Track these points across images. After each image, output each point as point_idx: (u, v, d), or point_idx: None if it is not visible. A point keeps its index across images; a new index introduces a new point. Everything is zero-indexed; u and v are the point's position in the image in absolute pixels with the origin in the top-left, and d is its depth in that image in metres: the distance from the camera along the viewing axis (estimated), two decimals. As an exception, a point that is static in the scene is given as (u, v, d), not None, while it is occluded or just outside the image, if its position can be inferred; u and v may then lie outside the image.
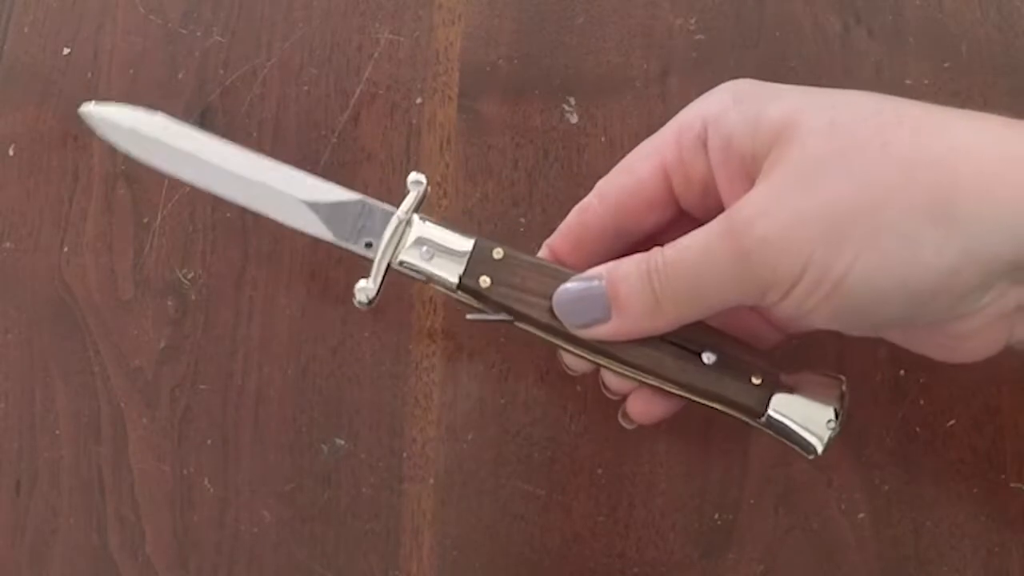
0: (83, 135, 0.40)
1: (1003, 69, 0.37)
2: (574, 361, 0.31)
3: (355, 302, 0.31)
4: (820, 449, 0.28)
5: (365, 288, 0.31)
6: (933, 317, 0.25)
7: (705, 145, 0.28)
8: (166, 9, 0.41)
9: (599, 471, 0.35)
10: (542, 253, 0.31)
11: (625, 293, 0.28)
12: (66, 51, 0.41)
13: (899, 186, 0.24)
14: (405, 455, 0.36)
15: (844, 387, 0.29)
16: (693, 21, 0.39)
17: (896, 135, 0.24)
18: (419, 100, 0.39)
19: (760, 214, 0.25)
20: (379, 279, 0.31)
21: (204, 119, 0.39)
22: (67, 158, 0.40)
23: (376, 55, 0.39)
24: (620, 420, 0.33)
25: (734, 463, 0.35)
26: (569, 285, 0.29)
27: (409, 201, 0.31)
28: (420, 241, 0.31)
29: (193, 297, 0.38)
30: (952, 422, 0.35)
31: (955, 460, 0.34)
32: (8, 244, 0.39)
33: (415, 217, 0.31)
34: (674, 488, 0.35)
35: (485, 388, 0.36)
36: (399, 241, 0.31)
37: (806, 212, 0.24)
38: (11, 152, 0.40)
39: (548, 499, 0.35)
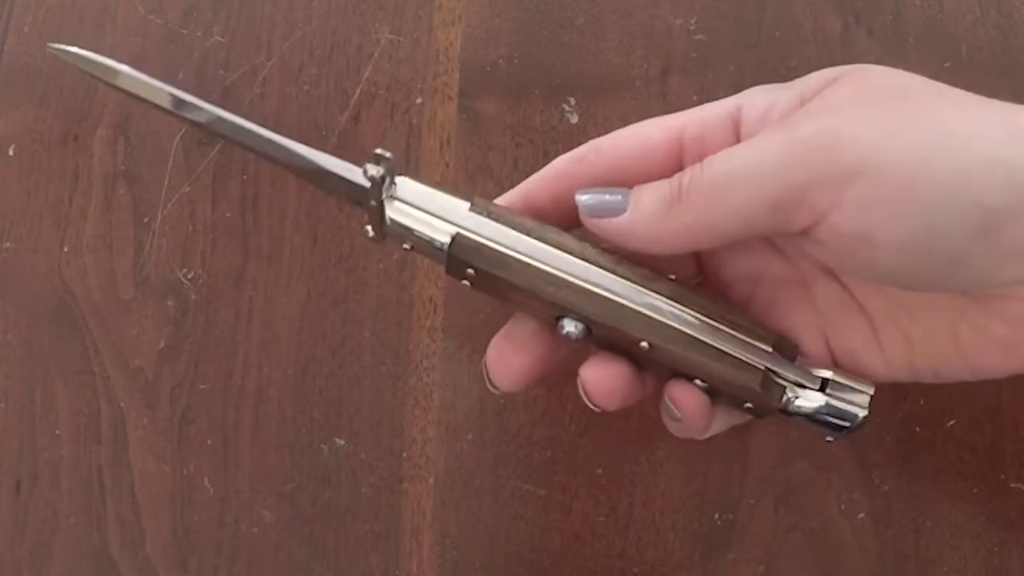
0: (83, 135, 0.40)
1: (1003, 69, 0.37)
2: (501, 374, 0.28)
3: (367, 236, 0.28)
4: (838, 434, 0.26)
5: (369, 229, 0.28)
6: (998, 261, 0.23)
7: (734, 121, 0.27)
8: (166, 9, 0.41)
9: (599, 471, 0.35)
10: (513, 196, 0.29)
11: (647, 188, 0.26)
12: (66, 51, 0.41)
13: (965, 105, 0.23)
14: (405, 455, 0.36)
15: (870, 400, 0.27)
16: (693, 21, 0.39)
17: (947, 87, 0.24)
18: (419, 100, 0.39)
19: (817, 110, 0.24)
20: (379, 225, 0.27)
21: (204, 119, 0.39)
22: (67, 158, 0.40)
23: (376, 55, 0.39)
24: (582, 395, 0.28)
25: (734, 463, 0.35)
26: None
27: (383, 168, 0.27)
28: (406, 203, 0.27)
29: (193, 297, 0.38)
30: (952, 422, 0.35)
31: (955, 460, 0.34)
32: (8, 244, 0.39)
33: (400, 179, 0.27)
34: (674, 488, 0.35)
35: (485, 388, 0.36)
36: (387, 194, 0.27)
37: (869, 114, 0.23)
38: (11, 152, 0.40)
39: (548, 499, 0.35)
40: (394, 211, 0.27)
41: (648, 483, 0.35)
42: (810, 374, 0.27)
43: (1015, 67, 0.37)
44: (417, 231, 0.27)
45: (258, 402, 0.37)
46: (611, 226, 0.26)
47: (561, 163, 0.28)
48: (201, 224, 0.38)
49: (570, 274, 0.26)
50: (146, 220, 0.39)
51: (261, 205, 0.38)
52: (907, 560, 0.34)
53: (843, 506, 0.34)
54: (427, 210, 0.27)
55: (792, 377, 0.26)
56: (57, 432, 0.37)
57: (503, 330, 0.29)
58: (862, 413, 0.26)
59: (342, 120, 0.39)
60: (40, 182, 0.39)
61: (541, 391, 0.36)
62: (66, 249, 0.39)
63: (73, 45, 0.29)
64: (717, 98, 0.38)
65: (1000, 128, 0.23)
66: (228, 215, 0.38)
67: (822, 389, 0.26)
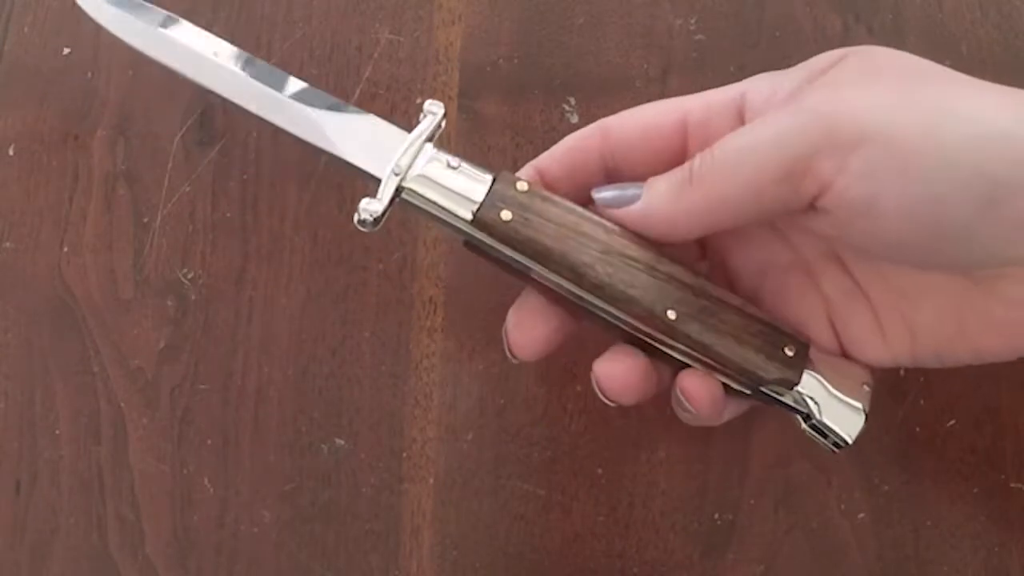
0: (83, 135, 0.40)
1: (1003, 69, 0.37)
2: (521, 341, 0.28)
3: (355, 220, 0.27)
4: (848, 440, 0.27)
5: (369, 207, 0.27)
6: (1004, 236, 0.24)
7: (738, 107, 0.28)
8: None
9: (599, 471, 0.35)
10: (526, 172, 0.29)
11: (661, 177, 0.27)
12: (66, 51, 0.40)
13: (973, 86, 0.24)
14: (405, 455, 0.36)
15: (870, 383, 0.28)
16: (693, 21, 0.39)
17: (953, 71, 0.25)
18: (419, 100, 0.39)
19: (823, 84, 0.25)
20: (387, 199, 0.27)
21: (204, 119, 0.39)
22: (67, 158, 0.40)
23: (376, 55, 0.39)
24: (596, 390, 0.28)
25: (734, 463, 0.35)
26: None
27: (423, 126, 0.28)
28: (432, 171, 0.28)
29: (193, 297, 0.38)
30: (952, 422, 0.35)
31: (955, 460, 0.34)
32: (8, 244, 0.39)
33: (428, 146, 0.28)
34: (674, 488, 0.35)
35: (485, 388, 0.36)
36: (410, 164, 0.28)
37: (875, 86, 0.24)
38: (11, 152, 0.40)
39: (548, 499, 0.35)
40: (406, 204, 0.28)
41: (648, 483, 0.35)
42: (798, 409, 0.27)
43: (1015, 67, 0.37)
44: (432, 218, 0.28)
45: (258, 402, 0.37)
46: (626, 214, 0.27)
47: (571, 140, 0.29)
48: (201, 224, 0.38)
49: (587, 264, 0.26)
50: (146, 220, 0.39)
51: (261, 205, 0.38)
52: (907, 560, 0.34)
53: (843, 506, 0.34)
54: (436, 216, 0.28)
55: (785, 402, 0.27)
56: (57, 432, 0.37)
57: (519, 300, 0.29)
58: (843, 444, 0.27)
59: (342, 120, 0.39)
60: (40, 182, 0.39)
61: (541, 391, 0.36)
62: (66, 249, 0.39)
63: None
64: (717, 98, 0.38)
65: (1008, 108, 0.23)
66: (228, 215, 0.38)
67: (808, 419, 0.27)
